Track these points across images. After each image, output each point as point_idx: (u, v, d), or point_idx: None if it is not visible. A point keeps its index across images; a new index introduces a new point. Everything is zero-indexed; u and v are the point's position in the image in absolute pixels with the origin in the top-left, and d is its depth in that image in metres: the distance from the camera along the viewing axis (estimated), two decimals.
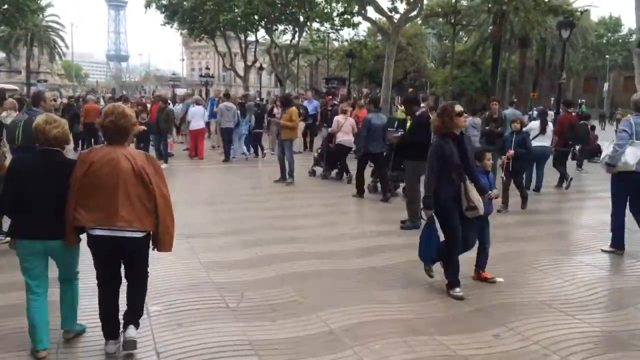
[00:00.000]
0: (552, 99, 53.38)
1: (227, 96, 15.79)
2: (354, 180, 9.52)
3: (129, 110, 3.63)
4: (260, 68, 44.92)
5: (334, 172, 11.48)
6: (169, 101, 17.75)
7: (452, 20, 25.21)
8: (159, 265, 4.89)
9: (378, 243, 6.46)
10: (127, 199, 3.36)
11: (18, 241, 3.49)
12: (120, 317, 3.63)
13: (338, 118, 10.94)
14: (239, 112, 14.23)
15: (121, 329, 3.60)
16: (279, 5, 35.12)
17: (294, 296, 4.69)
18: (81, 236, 3.55)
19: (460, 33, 58.97)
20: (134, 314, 3.64)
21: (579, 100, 47.60)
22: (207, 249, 6.05)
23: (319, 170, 11.70)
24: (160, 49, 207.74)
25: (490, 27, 40.92)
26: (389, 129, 9.78)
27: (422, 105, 12.16)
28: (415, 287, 4.99)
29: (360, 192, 9.28)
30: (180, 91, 43.84)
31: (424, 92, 51.63)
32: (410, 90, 42.98)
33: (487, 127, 9.90)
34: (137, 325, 3.63)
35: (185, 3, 36.46)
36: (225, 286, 4.88)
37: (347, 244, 6.42)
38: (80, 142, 14.78)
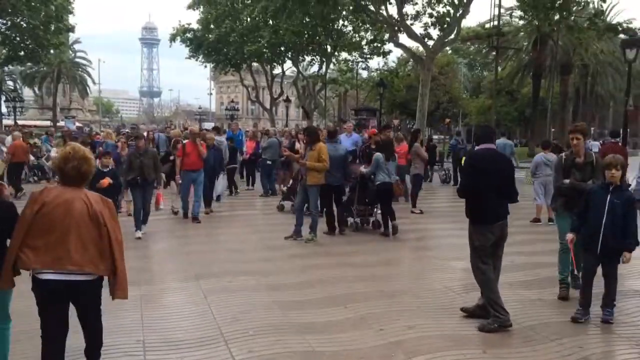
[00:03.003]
0: (592, 129, 50.20)
1: (216, 129, 13.86)
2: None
3: (89, 153, 3.48)
4: (287, 100, 43.29)
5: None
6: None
7: (495, 43, 22.88)
8: None
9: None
10: (80, 242, 3.20)
11: None
12: None
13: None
14: None
15: None
16: (306, 35, 33.54)
17: None
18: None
19: (492, 62, 56.74)
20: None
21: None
22: None
23: (287, 204, 11.03)
24: (190, 85, 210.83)
25: (530, 54, 38.42)
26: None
27: None
28: None
29: (331, 229, 8.79)
30: (208, 125, 42.54)
31: (459, 122, 49.21)
32: (448, 121, 40.61)
33: (566, 181, 5.52)
34: None
35: (209, 36, 35.30)
36: None
37: None
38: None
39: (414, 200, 11.47)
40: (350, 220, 9.51)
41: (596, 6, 21.81)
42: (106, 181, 7.47)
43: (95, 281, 3.30)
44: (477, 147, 4.95)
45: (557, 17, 21.35)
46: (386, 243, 8.44)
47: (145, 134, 14.00)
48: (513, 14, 27.68)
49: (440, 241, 8.69)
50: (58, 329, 3.29)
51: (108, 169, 8.05)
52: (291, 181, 11.47)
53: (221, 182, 11.67)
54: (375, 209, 9.49)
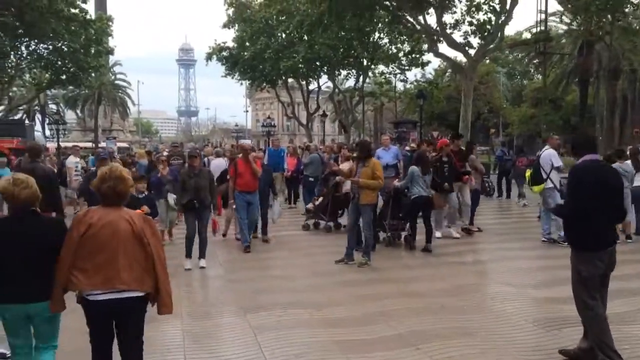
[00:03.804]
0: None
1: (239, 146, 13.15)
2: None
3: (126, 173, 3.51)
4: (324, 115, 42.84)
5: (326, 223, 10.71)
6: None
7: (542, 49, 21.84)
8: None
9: None
10: (127, 261, 3.28)
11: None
12: None
13: (345, 165, 9.66)
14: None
15: None
16: (341, 49, 33.14)
17: None
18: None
19: (532, 70, 55.05)
20: None
21: None
22: None
23: (311, 222, 11.03)
24: (226, 103, 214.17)
25: (575, 60, 36.92)
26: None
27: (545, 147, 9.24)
28: None
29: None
30: (245, 142, 42.43)
31: (500, 132, 47.67)
32: (493, 131, 39.34)
33: None
34: None
35: (245, 53, 35.31)
36: None
37: None
38: None
39: (471, 217, 10.64)
40: (382, 235, 9.25)
41: None
42: (141, 210, 6.86)
43: (142, 298, 3.35)
44: (581, 159, 4.13)
45: (605, 19, 20.28)
46: (447, 267, 7.66)
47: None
48: (558, 17, 26.34)
49: (506, 264, 7.83)
50: (106, 339, 3.40)
51: (143, 195, 7.50)
52: (320, 198, 11.01)
53: (277, 206, 10.88)
54: (408, 225, 9.25)
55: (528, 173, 9.22)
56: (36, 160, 7.12)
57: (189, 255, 7.62)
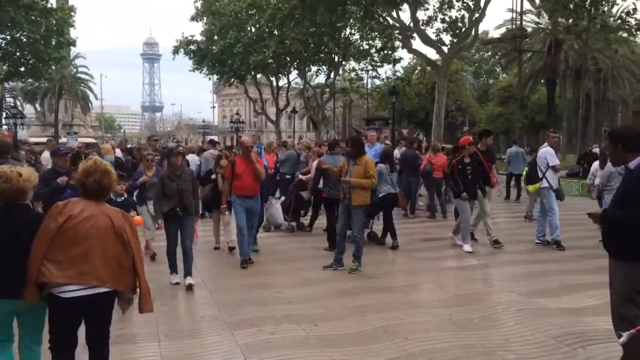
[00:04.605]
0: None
1: (212, 143, 13.34)
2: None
3: (110, 167, 3.48)
4: (293, 111, 42.25)
5: (289, 224, 10.36)
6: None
7: (517, 46, 21.77)
8: None
9: None
10: (104, 256, 3.22)
11: None
12: None
13: (315, 163, 9.46)
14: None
15: None
16: (313, 44, 32.55)
17: None
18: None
19: (498, 70, 55.76)
20: None
21: None
22: None
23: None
24: (193, 98, 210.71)
25: (543, 59, 37.34)
26: None
27: (544, 145, 8.79)
28: None
29: (332, 246, 8.06)
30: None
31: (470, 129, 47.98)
32: (467, 129, 39.37)
33: None
34: None
35: (213, 47, 34.36)
36: None
37: None
38: None
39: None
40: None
41: (625, 5, 20.84)
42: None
43: (112, 294, 3.30)
44: (636, 159, 3.56)
45: (582, 17, 20.29)
46: (444, 273, 7.19)
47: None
48: (532, 14, 26.41)
49: (506, 270, 7.30)
50: (70, 342, 3.28)
51: (122, 197, 6.60)
52: (282, 197, 10.55)
53: (278, 210, 10.04)
54: (372, 221, 9.36)
55: (525, 171, 8.85)
56: (5, 156, 6.75)
57: (174, 270, 6.66)
